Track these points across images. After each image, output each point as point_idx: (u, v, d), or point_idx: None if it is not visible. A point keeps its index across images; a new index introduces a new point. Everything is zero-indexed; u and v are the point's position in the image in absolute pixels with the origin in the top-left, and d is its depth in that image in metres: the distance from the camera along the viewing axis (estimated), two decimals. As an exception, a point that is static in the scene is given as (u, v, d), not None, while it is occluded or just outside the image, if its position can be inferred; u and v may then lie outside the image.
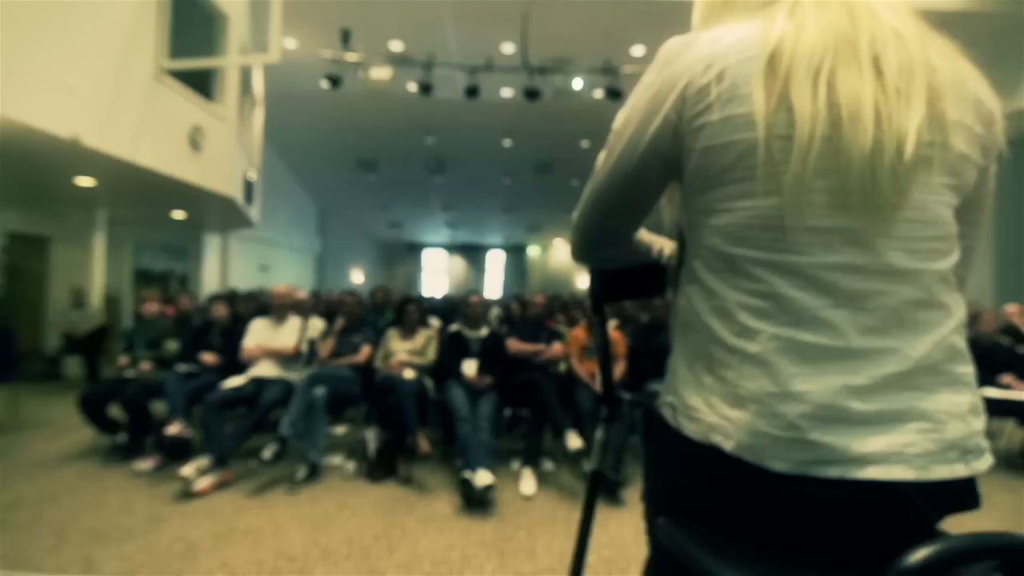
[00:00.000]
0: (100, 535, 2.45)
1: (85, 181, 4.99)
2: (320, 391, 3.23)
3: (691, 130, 0.59)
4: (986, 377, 3.89)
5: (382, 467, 3.23)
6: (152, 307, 3.95)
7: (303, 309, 4.10)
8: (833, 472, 0.52)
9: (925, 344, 0.55)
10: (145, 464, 3.26)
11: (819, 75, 0.54)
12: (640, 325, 3.98)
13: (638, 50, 8.05)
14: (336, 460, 3.48)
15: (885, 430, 0.53)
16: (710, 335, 0.60)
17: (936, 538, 0.46)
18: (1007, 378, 3.81)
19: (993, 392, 3.80)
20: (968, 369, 0.59)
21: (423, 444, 3.11)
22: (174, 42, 4.83)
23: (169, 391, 3.36)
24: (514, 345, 3.77)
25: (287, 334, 3.72)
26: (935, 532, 0.57)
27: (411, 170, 13.08)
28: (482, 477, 2.82)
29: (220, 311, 3.81)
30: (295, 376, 3.49)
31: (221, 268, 9.54)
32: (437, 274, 22.86)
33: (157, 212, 6.92)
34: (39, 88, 3.49)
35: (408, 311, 3.82)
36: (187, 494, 2.87)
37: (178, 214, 7.05)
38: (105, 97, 3.96)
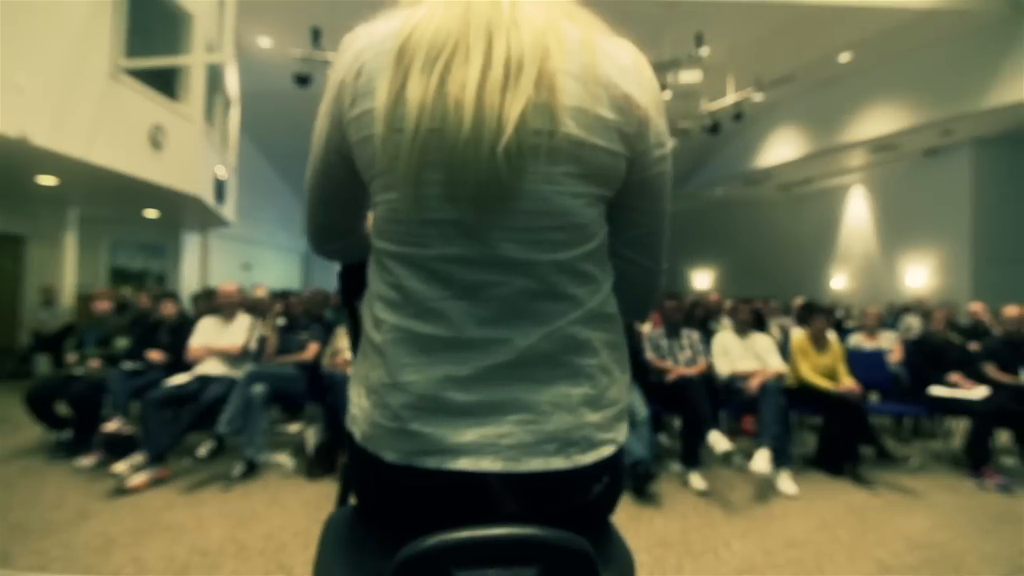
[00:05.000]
0: (24, 530, 2.46)
1: (47, 180, 5.02)
2: (258, 388, 3.25)
3: (346, 125, 0.60)
4: (935, 376, 3.89)
5: (321, 464, 3.25)
6: (103, 305, 3.97)
7: (262, 308, 4.12)
8: (431, 463, 0.52)
9: (537, 335, 0.55)
10: (86, 461, 3.28)
11: (435, 65, 0.53)
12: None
13: (613, 49, 8.05)
14: (281, 457, 3.49)
15: (482, 421, 0.53)
16: (364, 327, 0.62)
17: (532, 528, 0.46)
18: (954, 376, 3.81)
19: (940, 391, 3.80)
20: (593, 360, 0.57)
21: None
22: (137, 41, 4.85)
23: (112, 388, 3.38)
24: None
25: (235, 333, 3.73)
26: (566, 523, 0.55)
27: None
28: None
29: (168, 309, 3.83)
30: (241, 374, 3.51)
31: (201, 267, 9.56)
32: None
33: (129, 211, 6.94)
34: (-14, 87, 3.51)
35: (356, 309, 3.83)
36: (120, 490, 2.89)
37: (151, 213, 7.07)
38: (57, 96, 3.98)
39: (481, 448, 0.52)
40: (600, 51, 0.57)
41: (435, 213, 0.54)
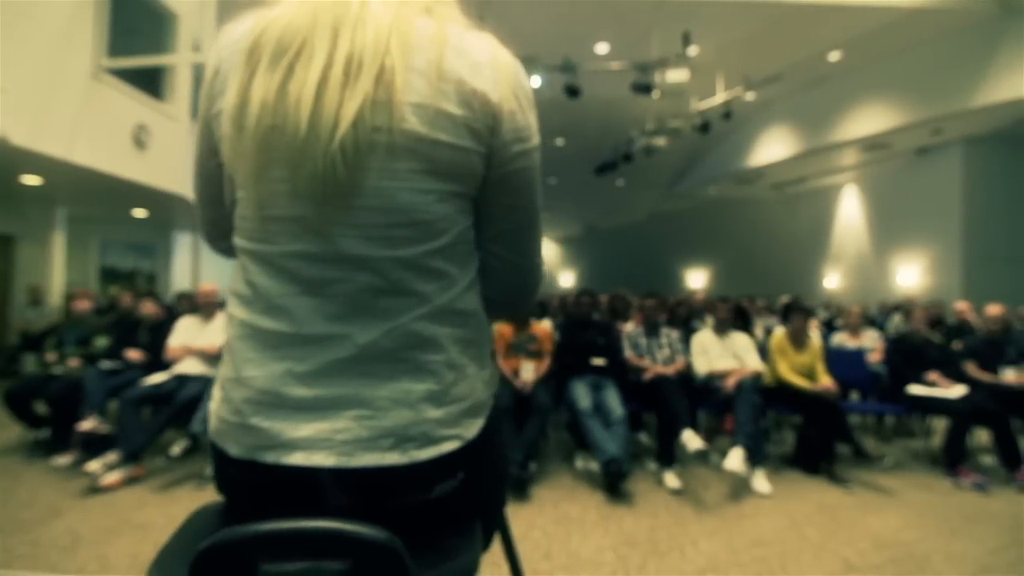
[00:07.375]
0: (-7, 528, 2.47)
1: (31, 180, 5.02)
2: (234, 388, 3.25)
3: (210, 124, 0.61)
4: (915, 374, 3.89)
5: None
6: (83, 304, 3.97)
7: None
8: (269, 457, 0.53)
9: (379, 331, 0.55)
10: (63, 459, 3.29)
11: (280, 63, 0.53)
12: (568, 320, 4.00)
13: (602, 48, 8.05)
14: (259, 456, 3.50)
15: (319, 416, 0.53)
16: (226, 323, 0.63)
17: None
18: (933, 375, 3.81)
19: (919, 389, 3.80)
20: (439, 357, 0.57)
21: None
22: (120, 41, 4.85)
23: (88, 387, 3.39)
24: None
25: (214, 332, 3.74)
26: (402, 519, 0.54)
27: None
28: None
29: (148, 308, 3.84)
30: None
31: (192, 266, 9.56)
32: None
33: (117, 211, 6.94)
34: (-36, 87, 3.52)
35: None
36: (93, 489, 2.90)
37: (139, 212, 7.07)
38: (37, 96, 3.99)
39: (314, 443, 0.52)
40: (451, 47, 0.56)
41: (279, 210, 0.55)
